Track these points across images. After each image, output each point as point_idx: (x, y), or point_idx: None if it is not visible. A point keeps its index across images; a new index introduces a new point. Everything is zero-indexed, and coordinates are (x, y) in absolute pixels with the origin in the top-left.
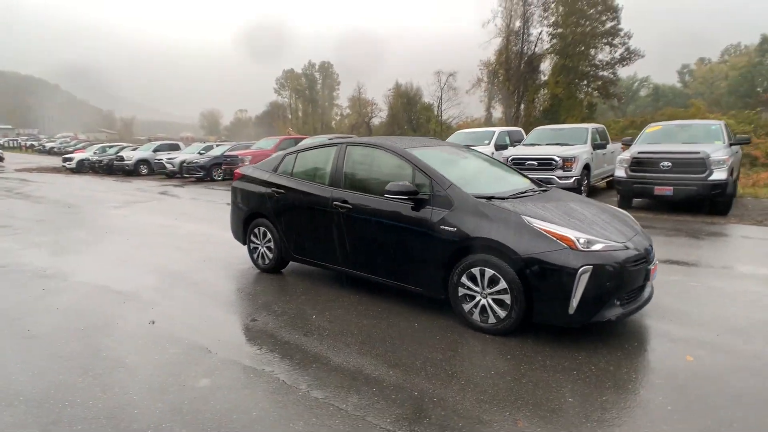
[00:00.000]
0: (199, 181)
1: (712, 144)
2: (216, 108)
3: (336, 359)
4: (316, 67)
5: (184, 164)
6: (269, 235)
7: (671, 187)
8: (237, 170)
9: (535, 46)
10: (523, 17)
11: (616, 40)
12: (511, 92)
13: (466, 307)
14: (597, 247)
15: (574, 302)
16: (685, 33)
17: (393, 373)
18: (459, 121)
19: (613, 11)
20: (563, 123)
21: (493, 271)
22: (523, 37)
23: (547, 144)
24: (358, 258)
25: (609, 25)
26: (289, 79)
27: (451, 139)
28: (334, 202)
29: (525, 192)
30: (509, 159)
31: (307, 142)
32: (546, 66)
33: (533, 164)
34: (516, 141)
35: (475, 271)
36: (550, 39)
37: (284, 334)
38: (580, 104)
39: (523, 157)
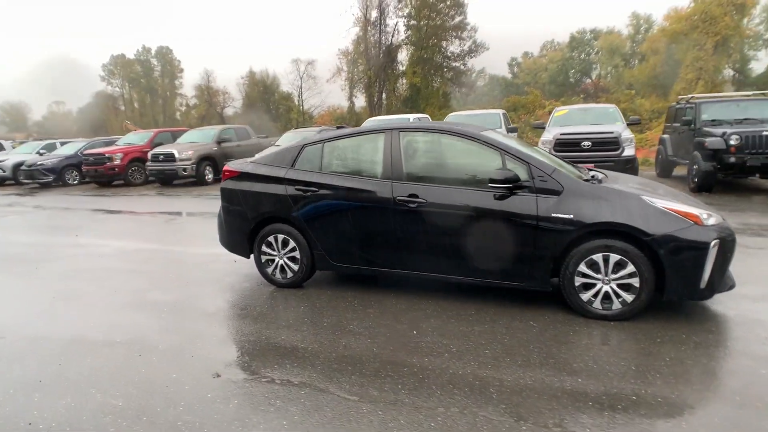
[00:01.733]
0: (45, 186)
1: (614, 124)
2: (21, 100)
3: (506, 377)
4: (152, 52)
5: (23, 168)
6: (292, 243)
7: (593, 164)
8: (228, 167)
9: (393, 36)
10: (379, 8)
11: (465, 34)
12: (372, 81)
13: (585, 296)
14: (713, 221)
15: (706, 276)
16: (512, 28)
17: (574, 380)
18: (321, 111)
19: (461, 6)
20: (423, 111)
21: (619, 256)
22: (380, 27)
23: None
24: (434, 258)
25: (458, 19)
26: (120, 65)
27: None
28: (399, 197)
29: (593, 174)
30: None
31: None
32: (404, 56)
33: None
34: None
35: (597, 257)
36: (406, 30)
37: (407, 358)
38: (437, 93)
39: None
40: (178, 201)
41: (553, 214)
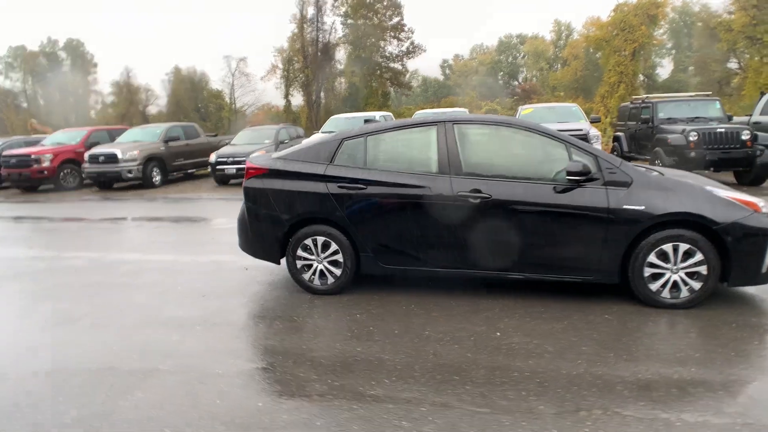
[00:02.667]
0: None
1: (580, 122)
2: None
3: (622, 373)
4: (60, 44)
5: None
6: (334, 246)
7: None
8: (253, 165)
9: (330, 34)
10: (316, 5)
11: (402, 35)
12: (311, 80)
13: (653, 286)
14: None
15: (767, 261)
16: (443, 30)
17: (687, 370)
18: (255, 109)
19: (398, 8)
20: (363, 111)
21: (688, 245)
22: (317, 25)
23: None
24: (497, 256)
25: (395, 20)
26: (22, 58)
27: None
28: (460, 193)
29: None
30: None
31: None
32: (342, 55)
33: None
34: None
35: (667, 247)
36: (344, 29)
37: (510, 362)
38: (376, 93)
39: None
40: (131, 205)
41: (624, 206)
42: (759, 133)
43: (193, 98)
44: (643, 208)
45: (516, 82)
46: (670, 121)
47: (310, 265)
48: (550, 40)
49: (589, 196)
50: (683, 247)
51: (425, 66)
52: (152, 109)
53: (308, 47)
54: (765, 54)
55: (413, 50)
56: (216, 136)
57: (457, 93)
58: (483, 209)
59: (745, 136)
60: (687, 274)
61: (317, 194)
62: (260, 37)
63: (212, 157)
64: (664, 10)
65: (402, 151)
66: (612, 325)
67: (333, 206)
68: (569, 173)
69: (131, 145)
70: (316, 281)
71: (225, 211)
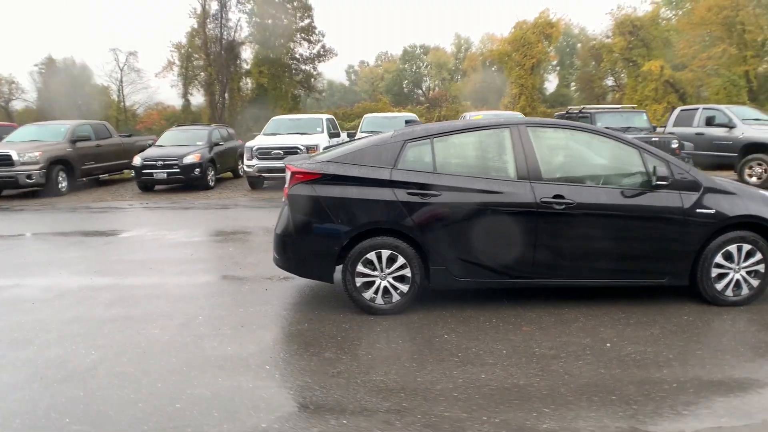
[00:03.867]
0: None
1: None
2: None
3: (757, 377)
4: None
5: None
6: (401, 259)
7: None
8: (300, 167)
9: (235, 32)
10: (220, 1)
11: (313, 38)
12: (213, 79)
13: (719, 286)
14: None
15: None
16: (350, 36)
17: None
18: (148, 108)
19: (308, 9)
20: (272, 114)
21: (750, 245)
22: (221, 21)
23: (288, 133)
24: (579, 263)
25: (306, 21)
26: None
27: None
28: (543, 199)
29: None
30: (255, 149)
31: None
32: (248, 55)
33: (279, 153)
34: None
35: (732, 248)
36: (250, 27)
37: (650, 374)
38: (285, 96)
39: (268, 146)
40: (44, 218)
41: (697, 210)
42: (684, 142)
43: (71, 93)
44: (713, 211)
45: (420, 90)
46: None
47: (372, 282)
48: (451, 52)
49: (665, 201)
50: (746, 247)
51: (329, 70)
52: (17, 104)
53: (211, 44)
54: (638, 74)
55: (324, 53)
56: (130, 136)
57: (363, 98)
58: (566, 216)
59: (674, 144)
60: (747, 272)
61: (383, 202)
62: (152, 31)
63: (137, 160)
64: (559, 30)
65: (474, 155)
66: (699, 326)
67: (402, 215)
68: (659, 178)
69: (30, 145)
70: (379, 300)
71: (176, 222)
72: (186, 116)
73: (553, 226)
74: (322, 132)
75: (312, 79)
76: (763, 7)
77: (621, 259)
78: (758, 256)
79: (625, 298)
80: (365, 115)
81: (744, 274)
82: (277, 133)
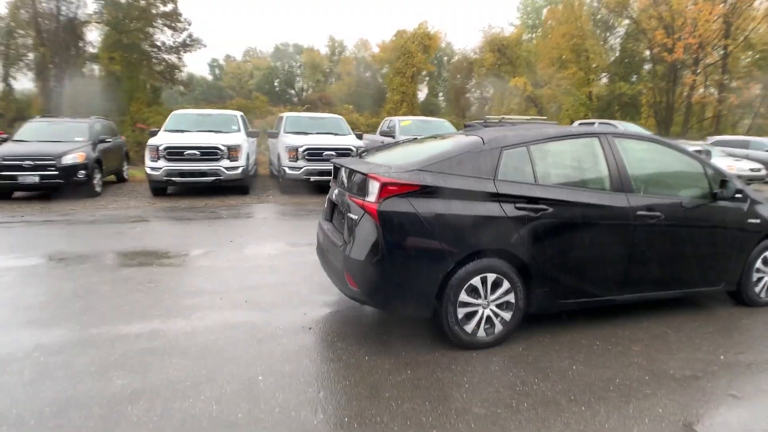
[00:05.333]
0: None
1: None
2: None
3: None
4: None
5: None
6: (506, 284)
7: None
8: (392, 179)
9: (78, 9)
10: None
11: (178, 25)
12: (47, 61)
13: (757, 289)
14: None
15: None
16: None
17: None
18: None
19: None
20: (128, 105)
21: None
22: None
23: (198, 131)
24: (660, 275)
25: (170, 6)
26: None
27: None
28: (639, 212)
29: None
30: (163, 149)
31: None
32: (95, 36)
33: (195, 154)
34: None
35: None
36: (97, 5)
37: None
38: (143, 87)
39: (180, 146)
40: None
41: (749, 220)
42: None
43: None
44: (759, 221)
45: (292, 90)
46: None
47: (474, 313)
48: (325, 54)
49: (728, 211)
50: None
51: (189, 62)
52: None
53: (44, 20)
54: (506, 89)
55: (191, 44)
56: None
57: (231, 95)
58: (656, 228)
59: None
60: None
61: (491, 218)
62: None
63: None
64: (437, 42)
65: (570, 165)
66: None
67: (510, 232)
68: (737, 191)
69: None
70: (481, 332)
71: (88, 241)
72: (9, 104)
73: (645, 240)
74: (239, 130)
75: (176, 71)
76: (599, 37)
77: (694, 269)
78: None
79: (660, 308)
80: (285, 115)
81: None
82: (184, 130)
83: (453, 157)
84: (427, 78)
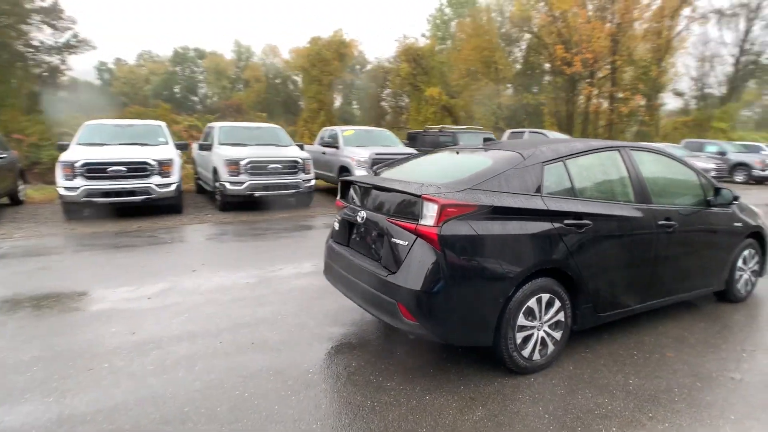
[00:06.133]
0: None
1: (398, 146)
2: None
3: None
4: None
5: None
6: (557, 303)
7: None
8: (453, 200)
9: None
10: None
11: (60, 23)
12: None
13: (739, 286)
14: None
15: None
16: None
17: None
18: None
19: None
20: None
21: (754, 250)
22: None
23: (120, 144)
24: (672, 282)
25: (48, 1)
26: None
27: None
28: (660, 222)
29: None
30: (80, 165)
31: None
32: None
33: (120, 170)
34: None
35: (746, 254)
36: None
37: None
38: (18, 93)
39: (102, 162)
40: None
41: (734, 223)
42: None
43: None
44: (741, 224)
45: (195, 97)
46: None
47: (530, 336)
48: (231, 59)
49: (721, 216)
50: (752, 252)
51: (73, 66)
52: None
53: None
54: (422, 98)
55: (77, 44)
56: None
57: (125, 101)
58: (673, 236)
59: None
60: (752, 272)
61: (544, 236)
62: None
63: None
64: (352, 51)
65: (601, 179)
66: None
67: (560, 250)
68: (735, 198)
69: None
70: (536, 354)
71: (6, 281)
72: None
73: (665, 249)
74: (167, 143)
75: (58, 75)
76: (504, 50)
77: (699, 272)
78: (757, 257)
79: (668, 314)
80: (216, 125)
81: (749, 273)
82: (102, 143)
83: (499, 175)
84: (340, 86)
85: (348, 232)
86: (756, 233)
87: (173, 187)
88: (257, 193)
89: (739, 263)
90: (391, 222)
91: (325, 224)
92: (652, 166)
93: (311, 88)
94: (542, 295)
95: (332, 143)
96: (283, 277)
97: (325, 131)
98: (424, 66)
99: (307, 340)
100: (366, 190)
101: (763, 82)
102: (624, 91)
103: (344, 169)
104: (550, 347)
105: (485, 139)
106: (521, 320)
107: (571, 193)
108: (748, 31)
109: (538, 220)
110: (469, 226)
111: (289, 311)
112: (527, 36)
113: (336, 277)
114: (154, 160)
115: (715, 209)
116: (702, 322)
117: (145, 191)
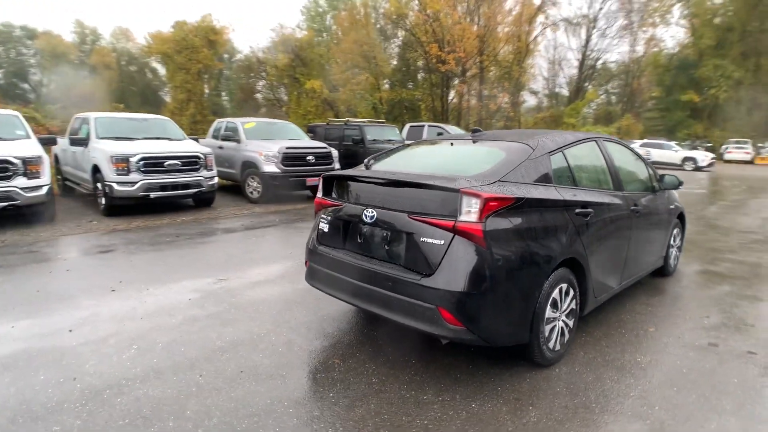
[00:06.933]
0: None
1: (307, 139)
2: None
3: None
4: None
5: None
6: (571, 292)
7: (316, 178)
8: (496, 194)
9: None
10: None
11: None
12: None
13: (671, 261)
14: None
15: None
16: None
17: None
18: None
19: None
20: None
21: (678, 228)
22: None
23: None
24: (637, 263)
25: None
26: None
27: None
28: (632, 207)
29: None
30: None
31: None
32: None
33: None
34: None
35: (675, 231)
36: None
37: None
38: None
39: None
40: None
41: (670, 206)
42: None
43: None
44: (674, 205)
45: (27, 85)
46: (375, 141)
47: (554, 328)
48: (72, 41)
49: (665, 199)
50: (678, 230)
51: None
52: None
53: None
54: (302, 91)
55: None
56: None
57: None
58: (639, 219)
59: None
60: (677, 248)
61: (563, 226)
62: None
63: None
64: (223, 38)
65: (589, 168)
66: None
67: (575, 239)
68: (680, 183)
69: None
70: (557, 345)
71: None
72: None
73: (636, 231)
74: (29, 136)
75: None
76: (380, 45)
77: (651, 251)
78: (680, 235)
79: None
80: (91, 116)
81: (675, 249)
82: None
83: (519, 166)
84: (206, 76)
85: (344, 234)
86: (680, 213)
87: (44, 191)
88: (153, 194)
89: (671, 241)
90: (417, 220)
91: (243, 226)
92: (616, 155)
93: (178, 76)
94: (562, 285)
95: (232, 137)
96: (232, 289)
97: (221, 123)
98: (303, 58)
99: (303, 360)
100: (371, 185)
101: (599, 84)
102: (491, 89)
103: (249, 165)
104: (566, 336)
105: (473, 130)
106: (548, 312)
107: (572, 182)
108: (588, 39)
109: (557, 211)
110: (507, 221)
111: (265, 328)
112: (403, 32)
113: (331, 284)
114: (17, 157)
115: (659, 194)
116: (654, 297)
117: (7, 196)
